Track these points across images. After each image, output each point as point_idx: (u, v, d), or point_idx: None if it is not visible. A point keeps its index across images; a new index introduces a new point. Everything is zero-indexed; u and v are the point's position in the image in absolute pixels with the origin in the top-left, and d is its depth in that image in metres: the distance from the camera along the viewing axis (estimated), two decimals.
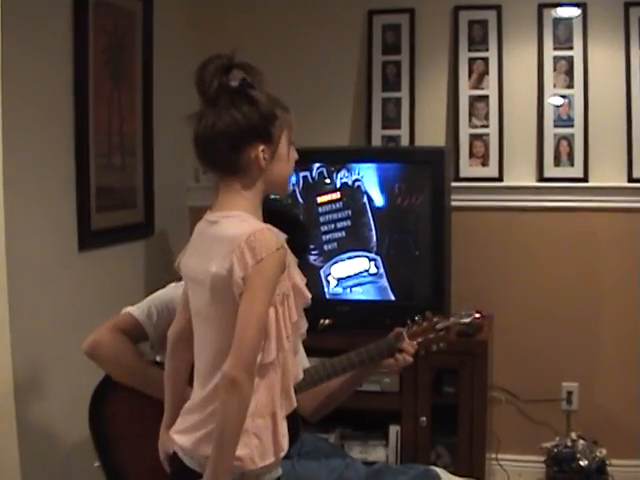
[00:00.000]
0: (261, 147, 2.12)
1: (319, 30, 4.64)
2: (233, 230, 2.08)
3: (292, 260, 2.16)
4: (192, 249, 2.24)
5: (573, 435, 4.23)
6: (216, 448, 2.02)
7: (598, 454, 4.09)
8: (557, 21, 4.41)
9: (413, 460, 3.79)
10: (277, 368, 2.13)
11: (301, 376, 2.28)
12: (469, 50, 4.49)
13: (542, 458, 4.27)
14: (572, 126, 4.38)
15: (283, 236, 2.12)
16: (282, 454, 2.17)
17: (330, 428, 3.97)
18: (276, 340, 2.08)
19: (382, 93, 4.57)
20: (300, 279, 2.18)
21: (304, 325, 2.24)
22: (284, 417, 2.18)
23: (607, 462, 4.10)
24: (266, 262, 2.02)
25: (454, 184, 4.32)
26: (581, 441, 4.16)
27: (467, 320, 3.19)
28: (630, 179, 4.34)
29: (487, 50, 4.47)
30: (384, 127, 4.56)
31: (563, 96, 4.40)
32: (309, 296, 2.20)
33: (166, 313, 2.74)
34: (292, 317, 2.13)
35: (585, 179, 4.38)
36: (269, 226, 2.10)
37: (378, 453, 4.02)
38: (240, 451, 2.06)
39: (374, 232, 4.03)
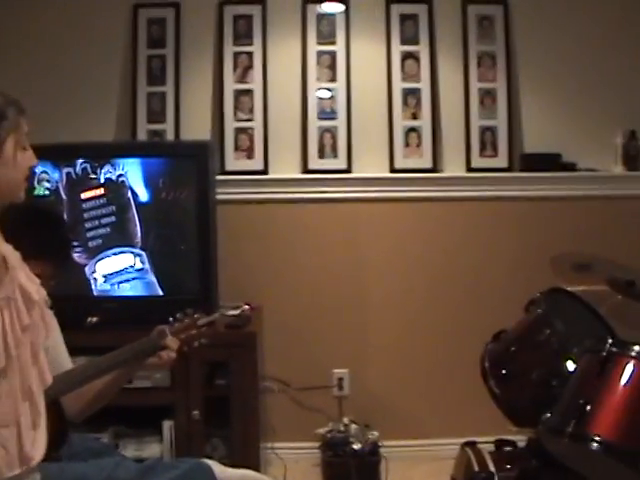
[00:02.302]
0: None
1: (84, 23, 4.52)
2: None
3: (16, 262, 2.08)
4: None
5: (345, 420, 4.36)
6: None
7: (370, 437, 4.23)
8: (321, 16, 4.53)
9: (188, 454, 3.78)
10: (12, 374, 2.03)
11: (49, 381, 2.18)
12: (234, 44, 4.53)
13: (317, 444, 4.37)
14: (335, 119, 4.50)
15: None
16: (33, 463, 2.08)
17: (102, 427, 3.92)
18: (3, 346, 1.99)
19: (147, 87, 4.54)
20: (27, 280, 2.09)
21: (47, 328, 2.16)
22: (34, 425, 2.10)
23: (379, 444, 4.23)
24: None
25: (220, 177, 4.35)
26: (353, 425, 4.30)
27: (235, 312, 3.21)
28: (392, 170, 4.50)
29: (252, 44, 4.52)
30: (149, 121, 4.53)
31: (329, 89, 4.51)
32: (36, 298, 2.09)
33: None
34: (22, 321, 2.04)
35: (349, 170, 4.50)
36: None
37: (153, 449, 3.98)
38: None
39: (139, 227, 4.00)
